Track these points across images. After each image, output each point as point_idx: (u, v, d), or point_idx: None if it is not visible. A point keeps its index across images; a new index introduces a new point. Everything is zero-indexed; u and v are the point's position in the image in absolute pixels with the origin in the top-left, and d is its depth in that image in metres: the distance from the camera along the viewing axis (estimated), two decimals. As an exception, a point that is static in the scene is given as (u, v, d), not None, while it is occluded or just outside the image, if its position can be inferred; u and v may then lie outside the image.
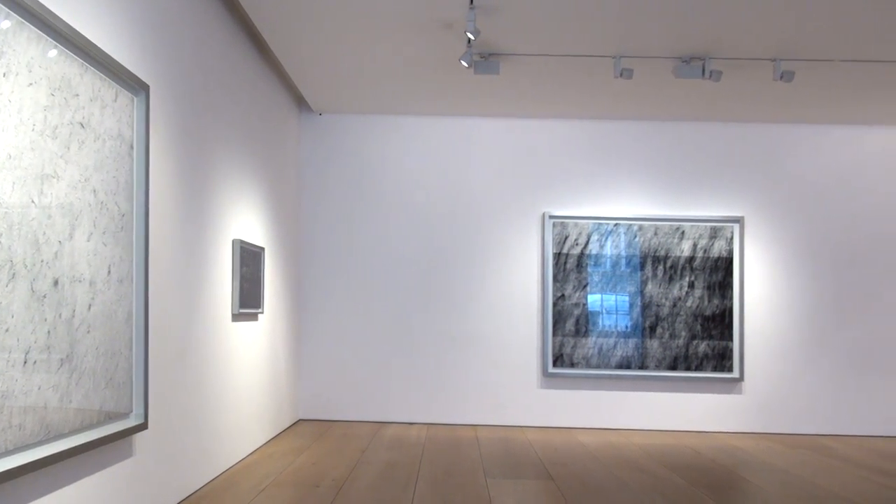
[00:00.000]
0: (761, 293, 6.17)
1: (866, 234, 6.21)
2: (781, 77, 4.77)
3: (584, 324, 6.07)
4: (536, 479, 4.11)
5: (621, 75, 4.78)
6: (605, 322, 6.08)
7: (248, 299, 4.48)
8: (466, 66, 4.55)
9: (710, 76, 4.79)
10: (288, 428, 5.71)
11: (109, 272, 2.61)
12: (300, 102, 6.13)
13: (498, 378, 6.13)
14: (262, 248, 4.83)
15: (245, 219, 4.56)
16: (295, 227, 6.03)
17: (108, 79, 2.61)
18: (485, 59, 4.77)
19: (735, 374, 6.04)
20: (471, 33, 4.10)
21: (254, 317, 4.72)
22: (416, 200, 6.23)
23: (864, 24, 4.22)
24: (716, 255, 6.12)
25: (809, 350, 6.14)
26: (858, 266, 6.19)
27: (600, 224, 6.14)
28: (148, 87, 2.91)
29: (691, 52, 4.69)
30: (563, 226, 6.13)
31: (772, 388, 6.11)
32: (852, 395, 6.11)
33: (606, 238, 6.13)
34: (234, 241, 4.26)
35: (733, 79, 5.12)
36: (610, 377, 6.06)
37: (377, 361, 6.14)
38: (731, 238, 6.12)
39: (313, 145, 6.24)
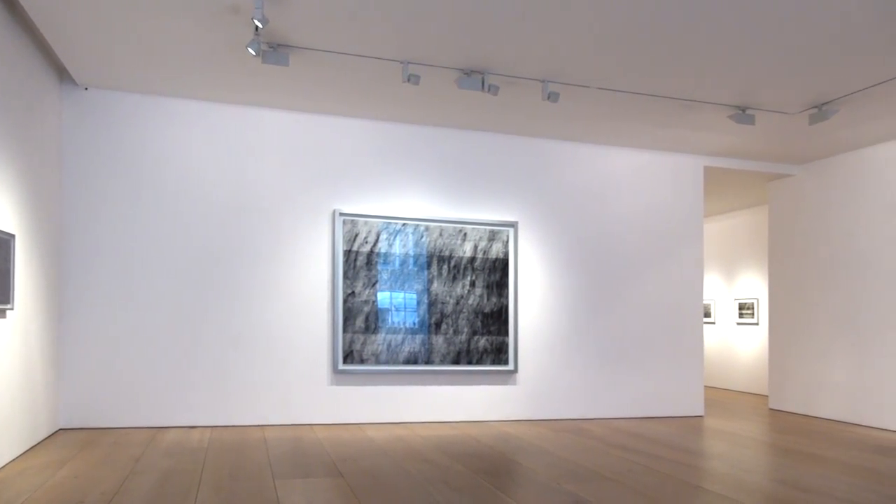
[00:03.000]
0: (533, 292, 6.74)
1: (615, 240, 7.07)
2: (549, 97, 5.27)
3: (373, 321, 6.15)
4: (326, 476, 4.08)
5: (409, 80, 4.94)
6: (394, 319, 6.22)
7: (-4, 294, 3.89)
8: (254, 54, 4.40)
9: (489, 90, 5.14)
10: (46, 439, 5.05)
11: None
12: (62, 73, 5.45)
13: (287, 376, 5.98)
14: (12, 236, 4.23)
15: (-6, 201, 3.95)
16: (56, 212, 5.35)
17: None
18: (274, 50, 4.65)
19: (510, 366, 6.53)
20: (258, 21, 3.98)
21: (1, 314, 4.10)
22: (197, 190, 5.85)
23: (615, 59, 4.85)
24: (494, 257, 6.55)
25: (570, 343, 6.83)
26: (608, 267, 7.03)
27: (389, 223, 6.26)
28: None
29: (472, 65, 5.00)
30: (354, 223, 6.16)
31: (541, 378, 6.70)
32: (604, 383, 6.92)
33: (395, 237, 6.27)
34: (-21, 227, 3.67)
35: (509, 94, 5.56)
36: (398, 372, 6.22)
37: (153, 362, 5.67)
38: (507, 241, 6.60)
39: (78, 122, 5.58)
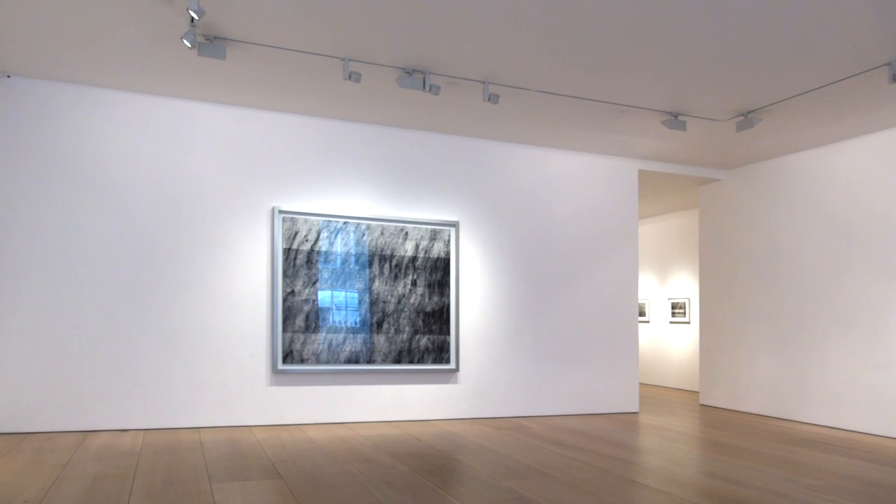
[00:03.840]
0: (474, 291, 6.79)
1: (553, 240, 7.20)
2: (489, 98, 5.32)
3: (314, 320, 6.07)
4: (265, 478, 4.01)
5: (350, 78, 4.91)
6: (335, 318, 6.16)
7: None
8: (189, 46, 4.29)
9: (430, 90, 5.15)
10: (-41, 448, 4.79)
11: None
12: (-18, 59, 5.18)
13: (224, 377, 5.84)
14: (-70, 232, 3.98)
15: None
16: (-26, 208, 5.08)
17: None
18: (210, 42, 4.55)
19: (452, 365, 6.56)
20: (193, 12, 3.88)
21: (-84, 315, 3.87)
22: (129, 185, 5.66)
23: (553, 63, 4.94)
24: (435, 256, 6.57)
25: (511, 341, 6.92)
26: (547, 267, 7.15)
27: (330, 221, 6.20)
28: None
29: (413, 65, 5.00)
30: (293, 221, 6.08)
31: (482, 376, 6.76)
32: (543, 380, 7.03)
33: (336, 235, 6.21)
34: None
35: (450, 95, 5.59)
36: (339, 372, 6.16)
37: (82, 362, 5.44)
38: (449, 240, 6.63)
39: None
